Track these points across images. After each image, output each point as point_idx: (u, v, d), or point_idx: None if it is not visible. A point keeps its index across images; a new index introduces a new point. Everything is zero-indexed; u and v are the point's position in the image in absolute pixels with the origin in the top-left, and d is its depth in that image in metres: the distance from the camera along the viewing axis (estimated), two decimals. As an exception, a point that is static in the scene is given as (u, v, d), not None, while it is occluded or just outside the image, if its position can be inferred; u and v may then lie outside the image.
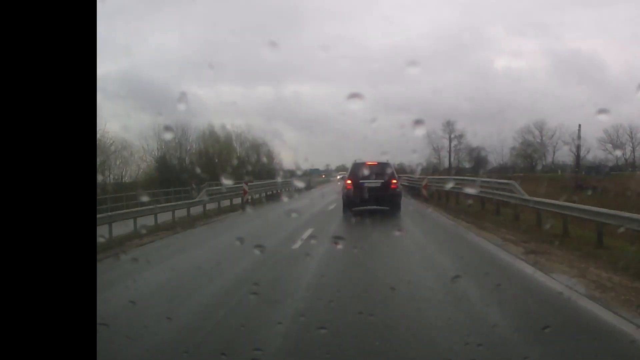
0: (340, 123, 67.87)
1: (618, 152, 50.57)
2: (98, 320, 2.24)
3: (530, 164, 51.43)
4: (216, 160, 40.17)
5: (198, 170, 33.22)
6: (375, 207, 15.34)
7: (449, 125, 55.53)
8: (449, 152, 56.25)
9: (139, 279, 6.89)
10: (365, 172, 15.31)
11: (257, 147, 45.98)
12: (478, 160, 51.10)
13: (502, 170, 44.25)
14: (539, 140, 53.56)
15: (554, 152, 53.30)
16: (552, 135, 52.88)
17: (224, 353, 3.90)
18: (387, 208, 15.33)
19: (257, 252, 7.80)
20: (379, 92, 56.74)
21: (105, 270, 7.51)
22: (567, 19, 68.83)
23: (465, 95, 66.79)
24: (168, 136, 39.56)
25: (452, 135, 55.88)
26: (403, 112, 54.45)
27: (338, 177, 44.28)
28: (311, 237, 10.22)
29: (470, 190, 16.09)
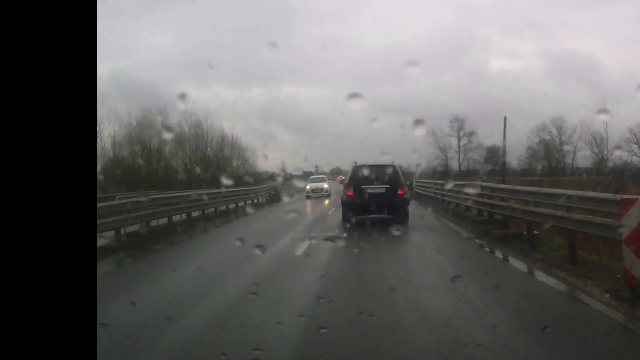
0: (338, 125, 67.24)
1: (617, 152, 47.81)
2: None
3: (549, 167, 44.68)
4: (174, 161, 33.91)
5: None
6: (378, 216, 12.87)
7: (457, 122, 48.77)
8: (458, 151, 49.43)
9: None
10: (368, 175, 13.06)
11: (223, 143, 37.43)
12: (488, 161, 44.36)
13: (519, 174, 38.41)
14: (557, 140, 46.29)
15: (575, 153, 45.93)
16: (572, 134, 45.55)
17: (224, 353, 3.89)
18: (392, 217, 13.01)
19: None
20: (376, 93, 55.01)
21: None
22: (566, 20, 68.76)
23: (465, 95, 66.56)
24: (168, 136, 35.91)
25: (461, 133, 49.12)
26: (401, 113, 51.29)
27: (307, 187, 28.94)
28: None
29: None
